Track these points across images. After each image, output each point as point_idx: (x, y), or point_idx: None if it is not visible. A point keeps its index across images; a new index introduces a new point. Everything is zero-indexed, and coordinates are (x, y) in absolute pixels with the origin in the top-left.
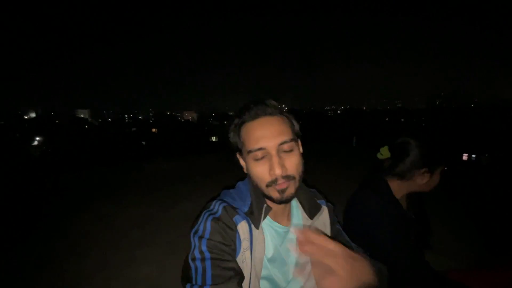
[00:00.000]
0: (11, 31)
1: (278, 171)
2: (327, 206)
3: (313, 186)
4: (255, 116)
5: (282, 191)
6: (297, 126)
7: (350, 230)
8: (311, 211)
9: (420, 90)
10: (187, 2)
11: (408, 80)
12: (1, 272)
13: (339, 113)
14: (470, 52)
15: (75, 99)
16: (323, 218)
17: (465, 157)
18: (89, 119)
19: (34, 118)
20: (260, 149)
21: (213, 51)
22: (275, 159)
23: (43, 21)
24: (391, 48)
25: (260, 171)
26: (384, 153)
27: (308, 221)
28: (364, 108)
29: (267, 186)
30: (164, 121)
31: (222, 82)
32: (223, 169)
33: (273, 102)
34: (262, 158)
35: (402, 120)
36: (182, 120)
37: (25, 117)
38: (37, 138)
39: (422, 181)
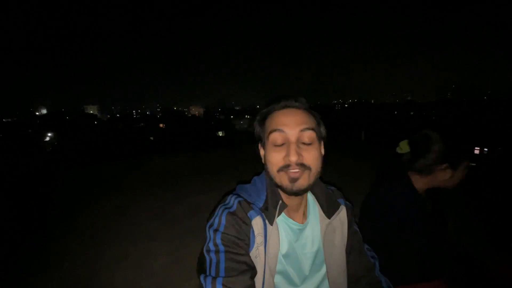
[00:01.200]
0: (22, 31)
1: (293, 158)
2: (346, 205)
3: (331, 184)
4: (282, 107)
5: (293, 180)
6: (323, 128)
7: (368, 224)
8: (329, 210)
9: (430, 83)
10: None
11: (418, 72)
12: (21, 264)
13: (346, 106)
14: (482, 43)
15: (84, 95)
16: (341, 217)
17: (477, 151)
18: (98, 115)
19: (45, 114)
20: (280, 130)
21: (220, 46)
22: (292, 146)
23: (54, 21)
24: (401, 40)
25: (276, 156)
26: (403, 147)
27: (326, 220)
28: (373, 101)
29: (279, 171)
30: (171, 116)
31: (228, 77)
32: (230, 163)
33: (303, 99)
34: (281, 145)
35: (412, 113)
36: (189, 115)
37: (37, 113)
38: (49, 134)
39: (444, 177)
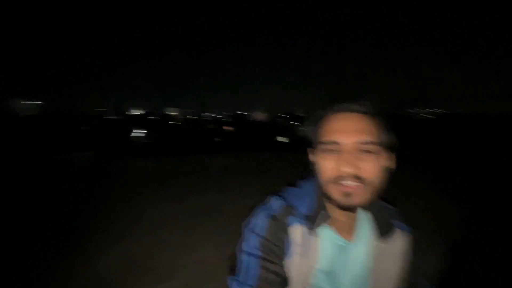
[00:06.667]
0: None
1: (347, 168)
2: (404, 229)
3: (394, 204)
4: (338, 110)
5: (346, 194)
6: (391, 137)
7: None
8: (383, 231)
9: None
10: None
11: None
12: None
13: None
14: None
15: (166, 100)
16: (397, 245)
17: None
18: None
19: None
20: (333, 142)
21: (282, 55)
22: (347, 155)
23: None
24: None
25: (327, 165)
26: None
27: (376, 242)
28: None
29: (330, 182)
30: (239, 120)
31: (291, 84)
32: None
33: (364, 101)
34: (334, 152)
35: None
36: (252, 119)
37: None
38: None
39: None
